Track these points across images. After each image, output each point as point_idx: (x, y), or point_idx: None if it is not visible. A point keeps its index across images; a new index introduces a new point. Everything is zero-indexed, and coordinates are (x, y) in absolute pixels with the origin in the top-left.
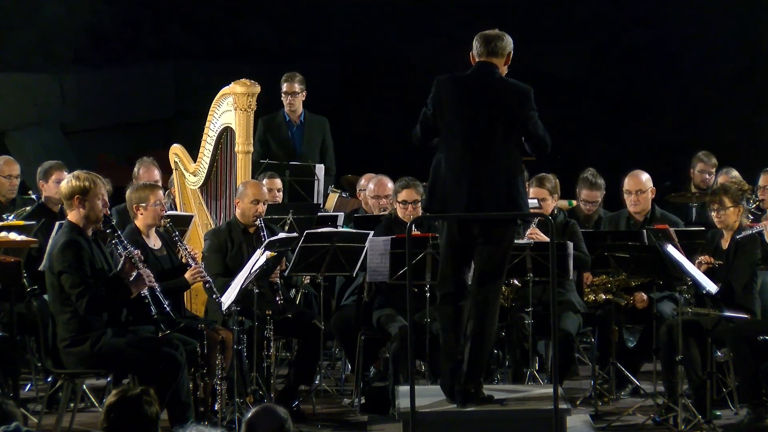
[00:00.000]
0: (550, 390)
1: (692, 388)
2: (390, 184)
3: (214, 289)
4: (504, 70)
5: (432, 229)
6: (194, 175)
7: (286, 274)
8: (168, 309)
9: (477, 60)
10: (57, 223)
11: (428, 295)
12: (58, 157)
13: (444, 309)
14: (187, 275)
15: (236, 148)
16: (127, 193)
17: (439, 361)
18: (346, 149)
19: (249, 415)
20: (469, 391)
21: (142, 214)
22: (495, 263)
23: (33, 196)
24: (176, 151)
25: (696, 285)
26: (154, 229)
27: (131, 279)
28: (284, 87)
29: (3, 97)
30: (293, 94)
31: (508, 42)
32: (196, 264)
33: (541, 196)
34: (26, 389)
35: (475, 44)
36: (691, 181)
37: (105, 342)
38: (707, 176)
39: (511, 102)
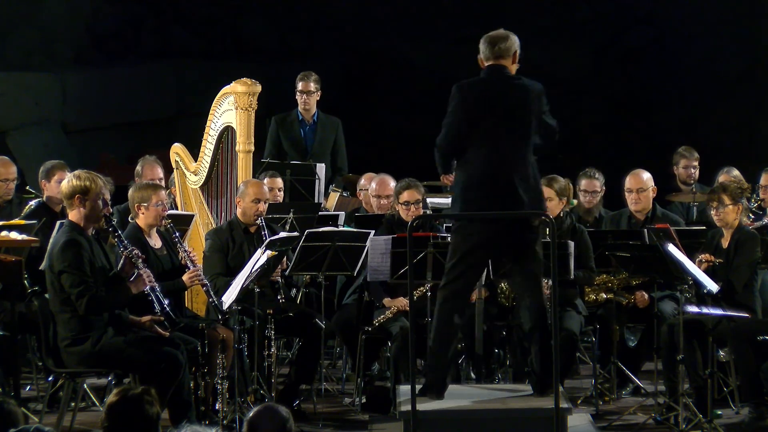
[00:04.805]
0: None
1: (693, 387)
2: (392, 184)
3: (212, 293)
4: (513, 69)
5: (433, 228)
6: (195, 175)
7: (287, 273)
8: (168, 309)
9: (486, 64)
10: (58, 223)
11: (429, 294)
12: (59, 156)
13: (447, 307)
14: (184, 278)
15: (237, 147)
16: (130, 191)
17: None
18: (347, 148)
19: (250, 415)
20: (548, 383)
21: (143, 213)
22: (539, 266)
23: (34, 197)
24: (177, 151)
25: (697, 284)
26: (155, 229)
27: (131, 278)
28: (299, 86)
29: (4, 96)
30: (308, 93)
31: (513, 41)
32: (194, 267)
33: (546, 196)
34: (27, 388)
35: (482, 48)
36: (677, 179)
37: (106, 341)
38: (692, 170)
39: (530, 101)
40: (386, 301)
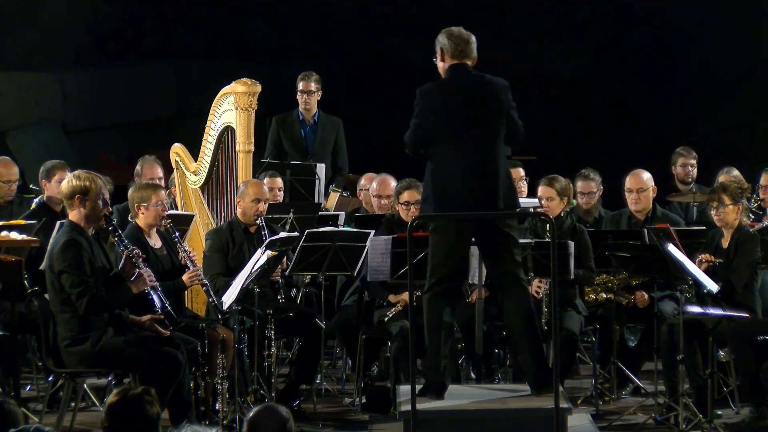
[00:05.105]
0: None
1: (693, 387)
2: (393, 184)
3: (212, 293)
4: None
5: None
6: (195, 175)
7: (287, 273)
8: (169, 308)
9: (450, 61)
10: (58, 223)
11: None
12: (59, 156)
13: (436, 307)
14: (184, 278)
15: (237, 148)
16: (130, 191)
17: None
18: (347, 148)
19: (250, 415)
20: (548, 382)
21: (143, 213)
22: (517, 266)
23: (35, 195)
24: (177, 151)
25: (697, 284)
26: (155, 229)
27: (131, 278)
28: (300, 86)
29: (4, 96)
30: (309, 93)
31: (475, 43)
32: (194, 267)
33: (547, 195)
34: (27, 388)
35: (448, 42)
36: (675, 178)
37: (106, 341)
38: (690, 168)
39: (498, 98)
40: (392, 297)
